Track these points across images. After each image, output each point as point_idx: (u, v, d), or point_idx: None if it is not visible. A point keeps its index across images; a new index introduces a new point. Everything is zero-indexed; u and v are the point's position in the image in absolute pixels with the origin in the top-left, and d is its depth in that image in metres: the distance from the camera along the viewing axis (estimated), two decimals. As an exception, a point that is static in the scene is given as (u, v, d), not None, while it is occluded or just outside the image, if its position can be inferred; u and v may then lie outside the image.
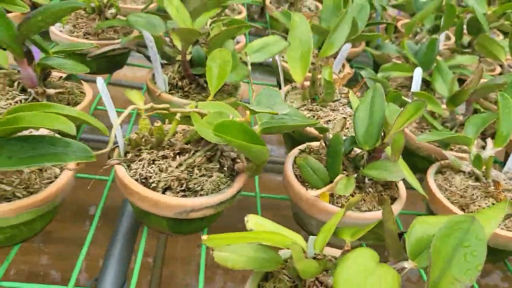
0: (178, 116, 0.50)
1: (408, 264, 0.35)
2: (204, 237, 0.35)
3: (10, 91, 0.55)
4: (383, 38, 0.96)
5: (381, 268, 0.31)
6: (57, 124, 0.35)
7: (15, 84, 0.55)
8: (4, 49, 0.53)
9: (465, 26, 1.01)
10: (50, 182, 0.45)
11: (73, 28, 0.75)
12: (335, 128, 0.52)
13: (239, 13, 1.02)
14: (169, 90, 0.65)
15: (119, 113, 0.48)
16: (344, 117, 0.56)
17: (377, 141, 0.49)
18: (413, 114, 0.46)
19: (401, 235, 0.38)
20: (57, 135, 0.41)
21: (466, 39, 1.01)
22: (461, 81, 0.79)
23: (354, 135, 0.51)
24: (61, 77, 0.58)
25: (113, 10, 0.75)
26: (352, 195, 0.51)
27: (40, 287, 0.43)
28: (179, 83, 0.65)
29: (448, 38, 1.11)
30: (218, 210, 0.48)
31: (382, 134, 0.49)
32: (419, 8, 1.09)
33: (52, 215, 0.47)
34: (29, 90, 0.54)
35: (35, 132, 0.46)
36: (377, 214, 0.49)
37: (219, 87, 0.53)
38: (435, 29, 1.03)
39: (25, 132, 0.45)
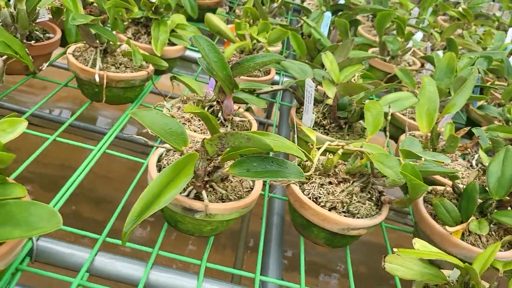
0: (340, 151, 0.63)
1: (553, 293, 0.44)
2: (396, 249, 0.46)
3: (202, 114, 0.69)
4: (481, 99, 1.06)
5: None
6: (295, 152, 0.48)
7: (205, 108, 0.70)
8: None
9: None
10: (248, 191, 0.58)
11: (226, 64, 0.90)
12: (470, 178, 0.63)
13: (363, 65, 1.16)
14: (312, 127, 0.78)
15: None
16: (478, 170, 0.67)
17: (506, 193, 0.60)
18: (544, 175, 0.56)
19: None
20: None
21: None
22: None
23: (483, 184, 0.61)
24: (238, 108, 0.73)
25: (261, 53, 0.90)
26: (479, 236, 0.61)
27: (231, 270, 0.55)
28: (322, 122, 0.78)
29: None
30: (368, 231, 0.60)
31: None
32: (510, 73, 1.19)
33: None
34: (219, 115, 0.68)
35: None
36: (503, 254, 0.59)
37: (375, 132, 0.65)
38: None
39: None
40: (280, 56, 0.63)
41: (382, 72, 1.20)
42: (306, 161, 0.61)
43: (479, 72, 1.06)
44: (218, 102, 0.67)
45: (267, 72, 0.94)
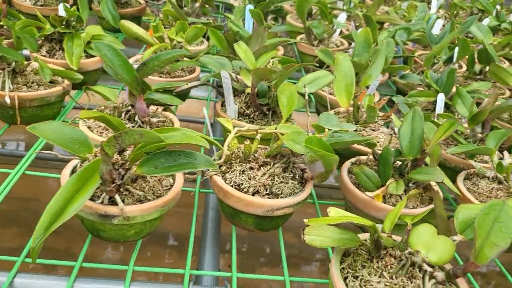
0: (258, 137, 0.63)
1: (457, 237, 0.47)
2: (306, 220, 0.47)
3: (119, 120, 0.69)
4: (405, 69, 1.10)
5: (441, 236, 0.44)
6: (197, 141, 0.48)
7: (123, 115, 0.69)
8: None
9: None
10: (168, 189, 0.58)
11: (148, 68, 0.90)
12: (384, 142, 0.65)
13: (278, 50, 1.17)
14: (238, 117, 0.78)
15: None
16: (391, 134, 0.69)
17: (418, 152, 0.62)
18: (447, 129, 0.59)
19: (448, 218, 0.50)
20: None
21: (476, 67, 1.15)
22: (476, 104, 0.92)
23: (399, 147, 0.64)
24: (157, 108, 0.72)
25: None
26: (400, 197, 0.63)
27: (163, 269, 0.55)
28: (246, 111, 0.78)
29: (460, 66, 1.25)
30: (295, 209, 0.61)
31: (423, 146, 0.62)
32: (432, 41, 1.24)
33: (163, 217, 0.60)
34: (136, 119, 0.67)
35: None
36: (420, 210, 0.61)
37: (289, 114, 0.66)
38: (449, 59, 1.17)
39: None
40: (184, 52, 0.63)
41: (311, 57, 1.22)
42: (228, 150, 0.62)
43: (397, 44, 1.09)
44: (132, 106, 0.67)
45: (192, 71, 0.94)
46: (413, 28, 1.22)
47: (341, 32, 1.37)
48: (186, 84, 0.74)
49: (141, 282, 0.53)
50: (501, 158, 0.74)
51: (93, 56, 0.91)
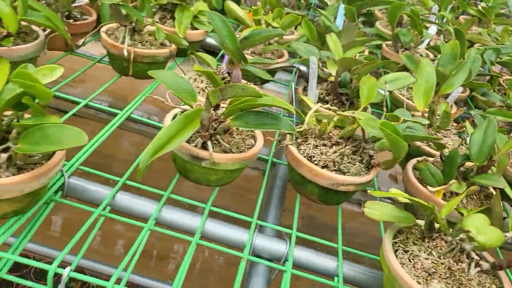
0: (336, 118, 0.70)
1: (509, 234, 0.50)
2: (369, 191, 0.53)
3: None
4: (488, 88, 1.10)
5: (492, 227, 0.47)
6: (285, 106, 0.56)
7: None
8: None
9: None
10: (249, 148, 0.66)
11: (242, 47, 0.99)
12: (453, 144, 0.69)
13: (363, 51, 1.22)
14: (317, 102, 0.85)
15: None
16: (461, 138, 0.72)
17: (486, 159, 0.65)
18: (519, 141, 0.62)
19: (504, 218, 0.53)
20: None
21: None
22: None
23: (467, 152, 0.67)
24: (246, 82, 0.81)
25: (275, 38, 0.98)
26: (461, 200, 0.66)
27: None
28: (325, 98, 0.85)
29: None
30: (357, 189, 0.66)
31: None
32: (522, 67, 1.22)
33: (242, 170, 0.68)
34: (229, 86, 0.76)
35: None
36: (479, 214, 0.64)
37: (368, 103, 0.72)
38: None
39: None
40: (281, 31, 0.71)
41: (394, 63, 1.25)
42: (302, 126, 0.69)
43: (485, 62, 1.10)
44: (228, 73, 0.76)
45: (281, 56, 1.02)
46: (503, 51, 1.21)
47: (428, 44, 1.38)
48: (277, 62, 0.81)
49: (215, 220, 0.61)
50: None
51: (196, 29, 1.02)
